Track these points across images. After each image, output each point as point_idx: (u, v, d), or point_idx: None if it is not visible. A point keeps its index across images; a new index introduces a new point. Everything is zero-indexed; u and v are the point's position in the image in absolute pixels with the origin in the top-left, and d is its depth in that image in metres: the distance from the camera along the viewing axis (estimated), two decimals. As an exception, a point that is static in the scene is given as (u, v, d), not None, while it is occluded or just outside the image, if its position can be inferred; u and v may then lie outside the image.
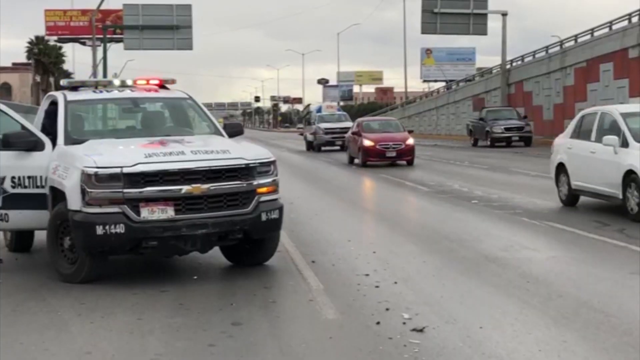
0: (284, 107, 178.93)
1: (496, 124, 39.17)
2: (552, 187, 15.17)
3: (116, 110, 11.47)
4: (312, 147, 42.83)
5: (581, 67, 41.15)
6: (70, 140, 9.31)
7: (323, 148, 41.24)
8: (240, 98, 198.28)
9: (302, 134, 50.73)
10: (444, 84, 76.25)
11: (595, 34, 40.58)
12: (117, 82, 11.01)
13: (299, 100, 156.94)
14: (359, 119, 30.39)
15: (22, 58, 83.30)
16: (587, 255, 9.80)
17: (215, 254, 9.63)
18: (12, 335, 6.68)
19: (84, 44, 69.30)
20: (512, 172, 22.61)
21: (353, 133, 28.73)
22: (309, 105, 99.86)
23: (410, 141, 27.22)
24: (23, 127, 9.53)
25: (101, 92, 10.50)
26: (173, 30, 51.94)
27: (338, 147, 39.46)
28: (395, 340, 6.31)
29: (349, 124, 39.99)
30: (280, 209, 9.10)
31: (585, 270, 8.92)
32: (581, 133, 14.28)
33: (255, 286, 8.39)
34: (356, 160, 28.14)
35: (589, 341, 6.24)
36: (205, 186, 8.46)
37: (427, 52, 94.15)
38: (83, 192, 8.30)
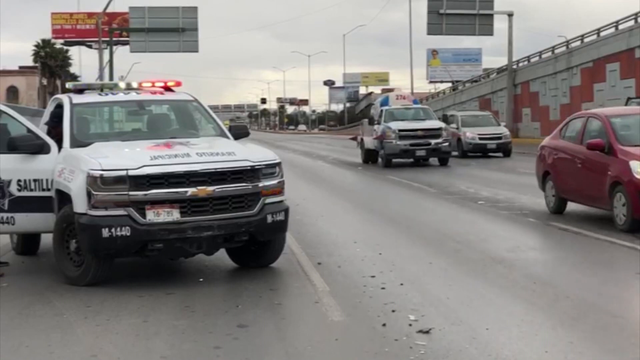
0: (290, 109, 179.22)
1: None
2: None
3: (122, 112, 11.48)
4: (376, 158, 28.82)
5: (587, 67, 41.11)
6: (76, 143, 9.31)
7: (394, 160, 27.50)
8: (246, 100, 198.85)
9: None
10: (450, 84, 76.22)
11: (602, 34, 40.56)
12: (122, 84, 11.06)
13: (305, 102, 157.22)
14: (585, 113, 14.29)
15: (29, 61, 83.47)
16: (593, 256, 9.76)
17: (221, 256, 9.63)
18: (18, 338, 6.69)
19: (90, 46, 69.50)
20: None
21: (593, 146, 12.15)
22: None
23: None
24: (29, 130, 9.54)
25: (107, 94, 10.52)
26: (179, 33, 52.17)
27: (412, 160, 27.44)
28: (401, 342, 6.30)
29: (435, 123, 27.91)
30: (286, 210, 9.09)
31: (592, 271, 8.89)
32: None
33: (261, 288, 8.38)
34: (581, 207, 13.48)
35: (595, 342, 6.21)
36: (211, 188, 8.45)
37: (433, 53, 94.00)
38: (89, 195, 8.30)
